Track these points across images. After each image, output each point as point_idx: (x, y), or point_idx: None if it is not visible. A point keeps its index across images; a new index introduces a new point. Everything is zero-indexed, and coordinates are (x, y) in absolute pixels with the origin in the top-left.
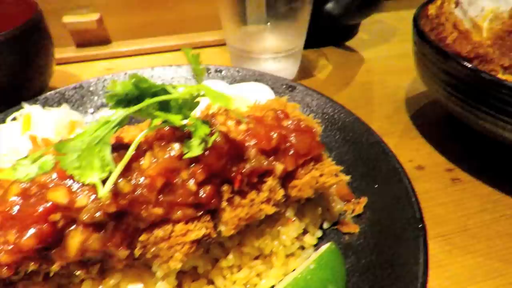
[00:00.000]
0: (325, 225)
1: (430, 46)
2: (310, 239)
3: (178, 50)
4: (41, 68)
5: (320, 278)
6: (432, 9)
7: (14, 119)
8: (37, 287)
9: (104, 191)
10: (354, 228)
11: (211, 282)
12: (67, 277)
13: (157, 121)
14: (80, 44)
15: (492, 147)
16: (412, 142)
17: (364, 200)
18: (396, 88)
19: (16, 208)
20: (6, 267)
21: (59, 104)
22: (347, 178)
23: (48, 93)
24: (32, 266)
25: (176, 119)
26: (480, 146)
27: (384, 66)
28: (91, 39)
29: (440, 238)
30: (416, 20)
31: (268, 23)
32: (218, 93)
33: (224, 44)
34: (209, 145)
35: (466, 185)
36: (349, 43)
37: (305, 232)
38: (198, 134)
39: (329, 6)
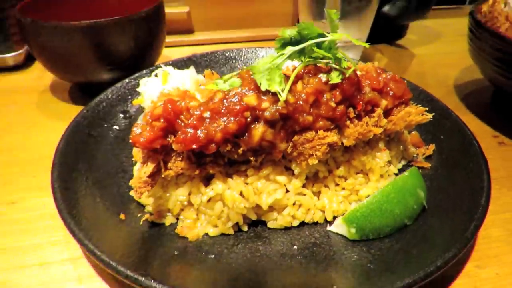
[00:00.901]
0: (403, 162)
1: (487, 31)
2: (393, 168)
3: (250, 41)
4: (159, 43)
5: (412, 183)
6: (485, 7)
7: (155, 75)
8: (220, 168)
9: (283, 95)
10: (426, 164)
11: (326, 186)
12: (240, 164)
13: (305, 61)
14: (169, 32)
15: None
16: (462, 117)
17: (432, 146)
18: (446, 77)
19: (222, 106)
20: (214, 144)
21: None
22: (430, 116)
23: (178, 58)
24: (227, 147)
25: (328, 55)
26: None
27: (433, 61)
28: (179, 28)
29: (493, 180)
30: (472, 14)
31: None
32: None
33: None
34: (347, 75)
35: (510, 146)
36: (400, 42)
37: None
38: (339, 68)
39: (386, 8)
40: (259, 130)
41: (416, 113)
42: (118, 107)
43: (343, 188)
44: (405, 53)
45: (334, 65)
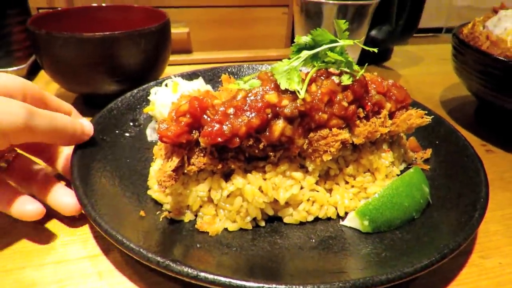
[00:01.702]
0: (403, 165)
1: (470, 49)
2: (396, 170)
3: (246, 61)
4: (164, 58)
5: (418, 178)
6: (465, 30)
7: (166, 85)
8: (240, 163)
9: (302, 93)
10: (426, 166)
11: (337, 184)
12: (258, 160)
13: (318, 65)
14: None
15: None
16: None
17: (430, 150)
18: (431, 94)
19: (245, 103)
20: (238, 138)
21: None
22: (429, 119)
23: (184, 71)
24: (250, 141)
25: (341, 58)
26: (504, 127)
27: (418, 80)
28: (179, 47)
29: None
30: (455, 34)
31: None
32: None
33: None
34: (358, 77)
35: (497, 154)
36: (386, 64)
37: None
38: (349, 71)
39: (374, 32)
40: (279, 126)
41: (417, 116)
42: (127, 115)
43: (352, 186)
44: (392, 73)
45: (345, 69)
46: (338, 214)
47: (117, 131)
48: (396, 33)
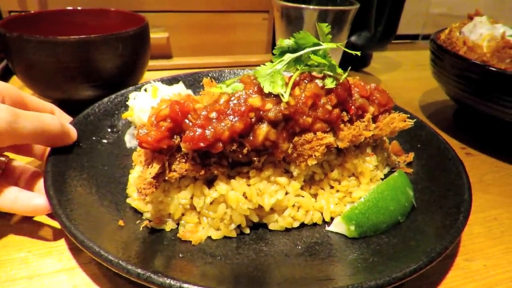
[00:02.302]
0: (387, 169)
1: (448, 54)
2: (379, 174)
3: (227, 67)
4: (143, 63)
5: (402, 182)
6: (443, 35)
7: (145, 90)
8: (223, 169)
9: (286, 97)
10: (409, 170)
11: (322, 189)
12: (242, 165)
13: (301, 68)
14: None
15: (492, 129)
16: None
17: (412, 154)
18: (410, 99)
19: (228, 107)
20: (221, 142)
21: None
22: (412, 122)
23: (165, 76)
24: (233, 146)
25: (324, 62)
26: (482, 131)
27: (397, 85)
28: (158, 53)
29: None
30: (433, 40)
31: None
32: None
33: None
34: (341, 80)
35: (477, 157)
36: (365, 69)
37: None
38: (333, 75)
39: (354, 37)
40: (263, 130)
41: (399, 120)
42: (105, 121)
43: (337, 191)
44: (371, 78)
45: (328, 72)
46: (323, 219)
47: (94, 138)
48: (375, 39)
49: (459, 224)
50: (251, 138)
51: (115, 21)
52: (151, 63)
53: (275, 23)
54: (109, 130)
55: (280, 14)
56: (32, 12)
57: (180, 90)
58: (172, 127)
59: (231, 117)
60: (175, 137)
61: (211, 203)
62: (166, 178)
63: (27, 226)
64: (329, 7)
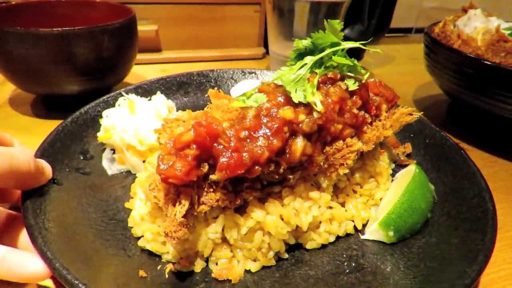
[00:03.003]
0: (393, 165)
1: (442, 47)
2: (390, 170)
3: (218, 60)
4: (130, 57)
5: (424, 177)
6: (437, 29)
7: (119, 105)
8: (256, 193)
9: (319, 106)
10: (412, 161)
11: (347, 195)
12: (273, 185)
13: (321, 71)
14: (138, 50)
15: (487, 124)
16: None
17: (409, 145)
18: (404, 93)
19: (259, 123)
20: (258, 165)
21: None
22: (419, 115)
23: (140, 82)
24: (270, 167)
25: (348, 62)
26: (476, 125)
27: (390, 79)
28: (147, 46)
29: None
30: (427, 33)
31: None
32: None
33: (256, 58)
34: (364, 81)
35: (471, 152)
36: (359, 63)
37: None
38: (354, 76)
39: (347, 31)
40: (299, 145)
41: (406, 114)
42: (74, 146)
43: (361, 195)
44: (366, 73)
45: (348, 73)
46: (355, 228)
47: (67, 169)
48: (368, 32)
49: (491, 215)
50: (287, 155)
51: (101, 13)
52: (140, 56)
53: (266, 16)
54: (81, 157)
55: (272, 6)
56: (14, 3)
57: (161, 102)
58: (199, 155)
59: (265, 134)
60: (201, 165)
61: (245, 233)
62: (195, 213)
63: None
64: (322, 0)
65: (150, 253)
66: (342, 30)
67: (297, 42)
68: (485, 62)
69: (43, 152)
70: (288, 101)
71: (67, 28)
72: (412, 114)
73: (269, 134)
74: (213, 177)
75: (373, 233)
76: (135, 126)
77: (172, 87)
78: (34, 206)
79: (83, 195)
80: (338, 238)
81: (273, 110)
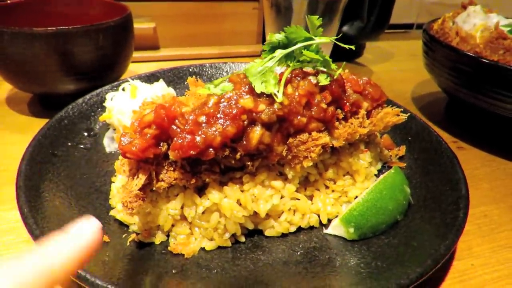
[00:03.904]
0: (378, 166)
1: (440, 45)
2: (373, 170)
3: (216, 58)
4: (126, 55)
5: (399, 179)
6: (435, 26)
7: (123, 89)
8: (215, 176)
9: (280, 97)
10: (402, 164)
11: (317, 189)
12: (233, 171)
13: (293, 65)
14: (135, 48)
15: (485, 123)
16: None
17: (403, 147)
18: (402, 91)
19: (218, 110)
20: (212, 149)
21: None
22: (405, 116)
23: (143, 73)
24: (225, 152)
25: (317, 57)
26: (474, 124)
27: (389, 77)
28: (145, 44)
29: None
30: (426, 30)
31: None
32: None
33: (255, 55)
34: (336, 76)
35: (468, 151)
36: (358, 60)
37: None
38: (326, 71)
39: (346, 27)
40: (256, 133)
41: (393, 114)
42: (81, 124)
43: (333, 191)
44: (364, 69)
45: (321, 68)
46: (320, 222)
47: (69, 143)
48: (367, 29)
49: (460, 222)
50: (244, 142)
51: (97, 11)
52: (138, 54)
53: (264, 13)
54: (85, 134)
55: (270, 3)
56: (9, 1)
57: (160, 88)
58: (158, 134)
59: (222, 120)
60: (161, 144)
61: (203, 212)
62: (154, 188)
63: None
64: None
65: (121, 224)
66: (341, 27)
67: (271, 36)
68: (483, 60)
69: (51, 126)
70: (252, 91)
71: (61, 27)
72: (399, 115)
73: (225, 120)
74: (171, 157)
75: (335, 228)
76: (132, 109)
77: (184, 76)
78: (28, 171)
79: (78, 167)
80: (301, 229)
81: (235, 99)
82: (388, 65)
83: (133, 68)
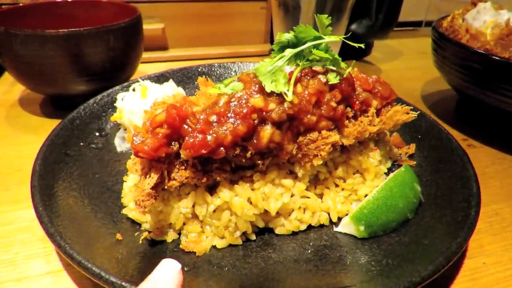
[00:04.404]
0: (388, 164)
1: (450, 42)
2: (383, 168)
3: (224, 58)
4: (136, 56)
5: (409, 177)
6: (445, 23)
7: (133, 89)
8: (225, 174)
9: (290, 95)
10: (411, 162)
11: (327, 188)
12: (244, 169)
13: (302, 64)
14: (144, 48)
15: (495, 120)
16: None
17: (413, 145)
18: (411, 89)
19: (229, 109)
20: (223, 148)
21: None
22: (415, 114)
23: (152, 73)
24: (236, 151)
25: (327, 56)
26: (485, 122)
27: (398, 75)
28: (154, 44)
29: None
30: (435, 28)
31: None
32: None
33: (263, 55)
34: (345, 75)
35: (478, 149)
36: (366, 58)
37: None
38: (336, 70)
39: (354, 26)
40: (267, 132)
41: (402, 112)
42: (92, 124)
43: (343, 189)
44: (372, 68)
45: (331, 67)
46: (330, 220)
47: (82, 143)
48: (376, 27)
49: (471, 220)
50: (254, 141)
51: (108, 13)
52: (147, 55)
53: (272, 12)
54: (97, 134)
55: (277, 3)
56: (21, 5)
57: (170, 88)
58: (169, 134)
59: (233, 120)
60: (173, 143)
61: (214, 211)
62: (166, 187)
63: (14, 228)
64: None
65: (133, 222)
66: (349, 25)
67: (280, 35)
68: (494, 57)
69: (63, 127)
70: (262, 90)
71: (72, 29)
72: (409, 113)
73: (236, 119)
74: (182, 156)
75: (345, 226)
76: (143, 109)
77: (193, 76)
78: (42, 171)
79: (90, 167)
80: (311, 228)
81: (245, 98)
82: (397, 63)
83: (143, 69)
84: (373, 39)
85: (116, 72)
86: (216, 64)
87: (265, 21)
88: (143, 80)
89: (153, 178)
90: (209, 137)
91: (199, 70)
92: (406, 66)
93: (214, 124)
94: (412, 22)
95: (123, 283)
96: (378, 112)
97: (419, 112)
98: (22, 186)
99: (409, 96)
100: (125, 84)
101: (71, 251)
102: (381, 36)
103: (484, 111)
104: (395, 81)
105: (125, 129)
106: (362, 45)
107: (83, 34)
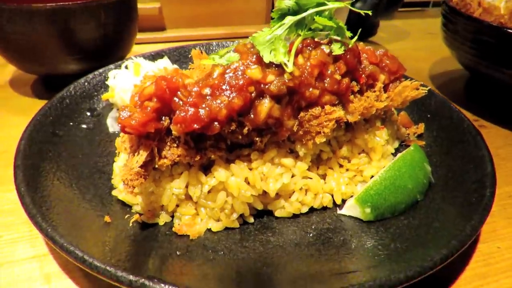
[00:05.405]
0: (396, 144)
1: (462, 16)
2: (390, 148)
3: (223, 38)
4: (130, 34)
5: (419, 157)
6: None
7: (126, 67)
8: (221, 153)
9: (290, 66)
10: (421, 142)
11: (330, 168)
12: (242, 147)
13: (304, 33)
14: (141, 29)
15: (508, 100)
16: None
17: (422, 125)
18: (419, 69)
19: (223, 81)
20: (217, 123)
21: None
22: (426, 90)
23: (160, 50)
24: (231, 127)
25: (331, 24)
26: (496, 101)
27: (405, 55)
28: (150, 25)
29: None
30: (446, 2)
31: None
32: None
33: None
34: (351, 45)
35: (490, 129)
36: (372, 39)
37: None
38: (341, 40)
39: (358, 4)
40: (265, 106)
41: (411, 88)
42: (83, 104)
43: (347, 170)
44: (378, 48)
45: (335, 37)
46: (334, 202)
47: (71, 123)
48: (381, 6)
49: (486, 201)
50: (251, 116)
51: None
52: (143, 35)
53: None
54: (88, 114)
55: None
56: None
57: (165, 65)
58: (159, 107)
59: (228, 92)
60: (163, 118)
61: (209, 191)
62: (156, 166)
63: None
64: None
65: (124, 205)
66: (354, 3)
67: (279, 2)
68: (508, 30)
69: (52, 106)
70: (260, 61)
71: (60, 3)
72: (418, 89)
73: (231, 92)
74: (173, 132)
75: (349, 208)
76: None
77: (189, 55)
78: (27, 150)
79: (80, 147)
80: (313, 210)
81: (241, 69)
82: (403, 43)
83: (137, 49)
84: (379, 19)
85: (109, 50)
86: (214, 43)
87: (266, 1)
88: (136, 57)
89: (142, 155)
90: (201, 111)
91: (197, 48)
92: (413, 47)
93: (207, 97)
94: (419, 2)
95: (108, 267)
96: (385, 88)
97: (429, 88)
98: (8, 168)
99: (416, 77)
100: (118, 62)
101: (54, 233)
102: (387, 16)
103: (495, 89)
104: (402, 61)
105: (117, 109)
106: (369, 12)
107: (72, 9)
